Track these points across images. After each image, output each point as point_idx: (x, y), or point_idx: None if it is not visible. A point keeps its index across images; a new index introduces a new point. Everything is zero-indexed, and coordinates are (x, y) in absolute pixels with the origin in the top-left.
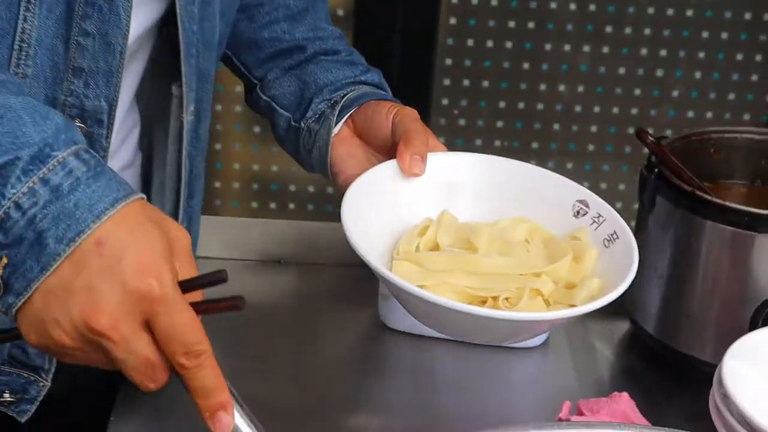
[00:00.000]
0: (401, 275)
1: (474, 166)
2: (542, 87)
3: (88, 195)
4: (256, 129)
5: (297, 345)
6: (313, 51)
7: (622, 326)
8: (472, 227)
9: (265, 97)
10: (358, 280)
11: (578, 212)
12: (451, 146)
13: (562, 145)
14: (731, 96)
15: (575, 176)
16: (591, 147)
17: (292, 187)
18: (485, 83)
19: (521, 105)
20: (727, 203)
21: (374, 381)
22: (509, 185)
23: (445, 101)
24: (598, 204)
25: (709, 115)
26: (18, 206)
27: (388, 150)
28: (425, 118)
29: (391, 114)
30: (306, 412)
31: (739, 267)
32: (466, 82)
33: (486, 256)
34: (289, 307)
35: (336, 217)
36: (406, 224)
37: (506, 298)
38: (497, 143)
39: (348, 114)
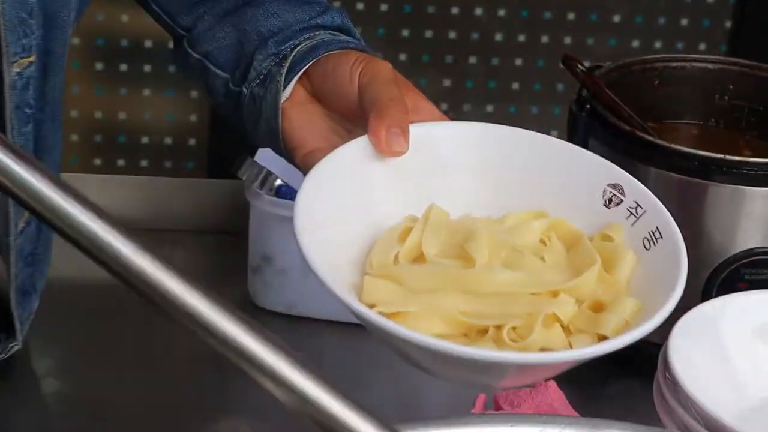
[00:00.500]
0: (374, 297)
1: (472, 140)
2: (454, 11)
3: None
4: (99, 66)
5: (146, 332)
6: None
7: None
8: (468, 228)
9: (195, 54)
10: (223, 251)
11: (610, 200)
12: None
13: (480, 82)
14: (684, 21)
15: (497, 121)
16: (515, 85)
17: (145, 140)
18: (383, 6)
19: (429, 33)
20: (675, 146)
21: (241, 376)
22: (519, 166)
23: None
24: (636, 189)
25: (657, 44)
26: None
27: (355, 117)
28: None
29: (357, 71)
30: (158, 415)
31: (689, 223)
32: (360, 5)
33: (487, 269)
34: None
35: (198, 173)
36: (382, 225)
37: (513, 328)
38: None
39: (300, 71)
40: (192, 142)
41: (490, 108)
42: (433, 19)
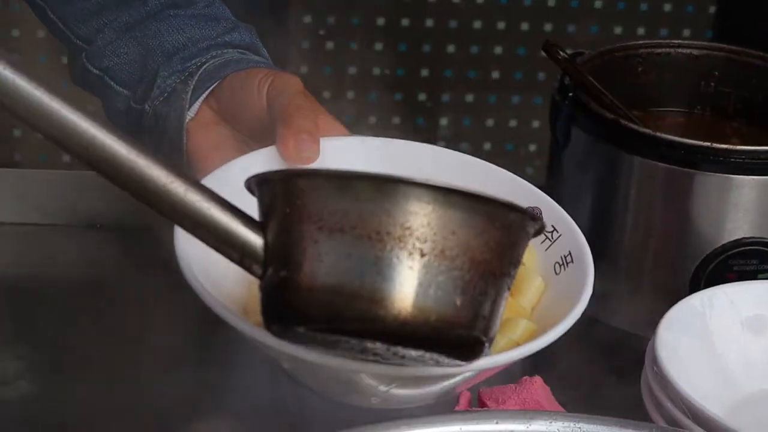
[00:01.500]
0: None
1: (385, 156)
2: None
3: None
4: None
5: (111, 331)
6: (160, 3)
7: None
8: None
9: (95, 70)
10: None
11: None
12: (314, 78)
13: (459, 72)
14: (667, 7)
15: (476, 112)
16: (495, 74)
17: None
18: None
19: (405, 21)
20: (660, 134)
21: (215, 376)
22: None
23: (307, 18)
24: (554, 213)
25: (640, 31)
26: None
27: (265, 135)
28: (281, 37)
29: (264, 86)
30: (124, 420)
31: (675, 214)
32: None
33: None
34: (104, 283)
35: None
36: None
37: None
38: (375, 71)
39: (207, 90)
40: None
41: (469, 98)
42: (410, 7)
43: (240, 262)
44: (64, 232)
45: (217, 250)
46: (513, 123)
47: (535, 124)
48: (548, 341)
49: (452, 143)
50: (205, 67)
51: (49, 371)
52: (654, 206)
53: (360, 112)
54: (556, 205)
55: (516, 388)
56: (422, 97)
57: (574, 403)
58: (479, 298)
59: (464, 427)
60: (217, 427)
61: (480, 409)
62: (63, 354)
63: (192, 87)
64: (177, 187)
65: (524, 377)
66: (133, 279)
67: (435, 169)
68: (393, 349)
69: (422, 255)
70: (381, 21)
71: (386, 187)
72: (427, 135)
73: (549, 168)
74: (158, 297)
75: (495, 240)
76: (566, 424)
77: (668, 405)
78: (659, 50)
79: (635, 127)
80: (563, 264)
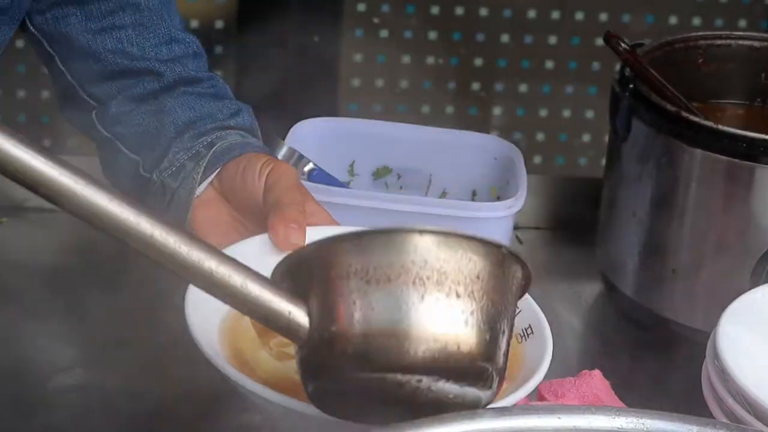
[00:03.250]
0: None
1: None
2: None
3: None
4: None
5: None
6: (173, 79)
7: (593, 287)
8: None
9: (106, 133)
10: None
11: None
12: (369, 66)
13: (513, 61)
14: None
15: (530, 101)
16: (549, 64)
17: None
18: None
19: (459, 10)
20: (721, 127)
21: None
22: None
23: (361, 7)
24: (528, 309)
25: (695, 21)
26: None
27: (258, 217)
28: (337, 25)
29: (264, 172)
30: (182, 403)
31: (736, 207)
32: None
33: None
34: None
35: None
36: None
37: None
38: (429, 60)
39: (216, 171)
40: None
41: (523, 87)
42: None
43: (286, 333)
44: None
45: (267, 325)
46: (567, 113)
47: (589, 114)
48: (518, 397)
49: (505, 133)
50: (214, 149)
51: (103, 358)
52: (714, 199)
53: (413, 101)
54: (531, 299)
55: (575, 381)
56: (476, 86)
57: (632, 397)
58: (498, 334)
59: (526, 422)
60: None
61: (540, 403)
62: (116, 340)
63: (202, 169)
64: (233, 276)
65: (583, 370)
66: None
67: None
68: (434, 383)
69: (458, 296)
70: (435, 10)
71: (424, 238)
72: (481, 124)
73: (608, 159)
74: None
75: (503, 283)
76: (629, 419)
77: (729, 400)
78: (719, 42)
79: (697, 119)
80: (524, 335)
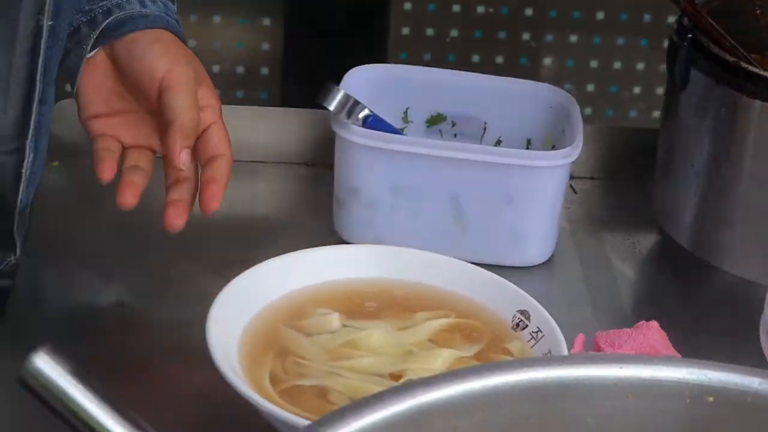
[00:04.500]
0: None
1: (383, 262)
2: None
3: None
4: None
5: (230, 265)
6: None
7: (648, 238)
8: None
9: None
10: (305, 183)
11: (517, 324)
12: (418, 15)
13: (564, 13)
14: None
15: (581, 53)
16: (600, 15)
17: (216, 68)
18: None
19: None
20: None
21: None
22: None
23: None
24: (539, 316)
25: None
26: None
27: (146, 102)
28: None
29: (159, 74)
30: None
31: None
32: None
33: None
34: (217, 219)
35: (272, 104)
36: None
37: None
38: (480, 9)
39: (108, 42)
40: (264, 71)
41: (573, 38)
42: None
43: None
44: None
45: None
46: (617, 65)
47: (640, 66)
48: None
49: (555, 83)
50: (109, 19)
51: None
52: None
53: (464, 51)
54: (543, 309)
55: (632, 332)
56: (526, 36)
57: (688, 350)
58: None
59: (587, 371)
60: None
61: (596, 353)
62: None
63: (95, 36)
64: None
65: (641, 321)
66: (240, 212)
67: (431, 274)
68: None
69: None
70: None
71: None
72: (530, 75)
73: (664, 109)
74: (266, 232)
75: None
76: (691, 370)
77: None
78: None
79: (757, 70)
80: (534, 338)
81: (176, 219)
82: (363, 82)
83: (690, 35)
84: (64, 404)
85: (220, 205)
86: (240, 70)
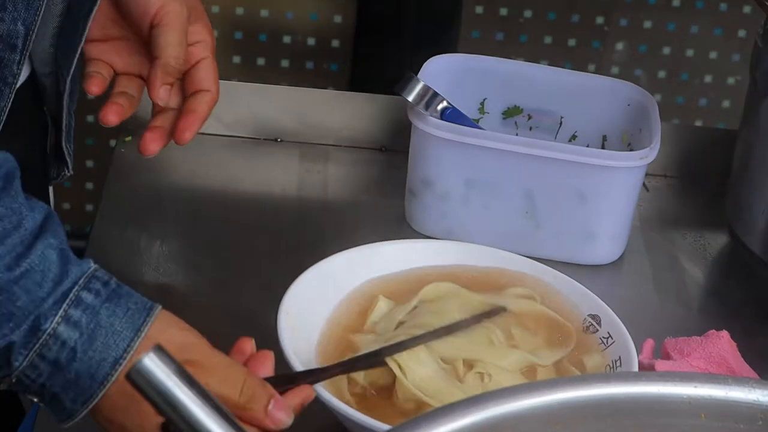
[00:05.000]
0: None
1: (423, 254)
2: None
3: (86, 365)
4: None
5: (298, 248)
6: None
7: (718, 240)
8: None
9: None
10: (377, 169)
11: (588, 328)
12: None
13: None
14: None
15: (653, 39)
16: (676, 2)
17: (287, 39)
18: None
19: None
20: None
21: None
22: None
23: None
24: (611, 321)
25: None
26: (27, 376)
27: (144, 37)
28: None
29: (152, 10)
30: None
31: None
32: None
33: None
34: (289, 201)
35: (341, 76)
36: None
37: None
38: None
39: None
40: (335, 43)
41: (647, 24)
42: None
43: None
44: (242, 145)
45: None
46: (690, 53)
47: (713, 55)
48: None
49: (626, 69)
50: None
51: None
52: None
53: (536, 32)
54: (614, 315)
55: (702, 341)
56: (599, 20)
57: (758, 361)
58: None
59: (661, 389)
60: None
61: (667, 361)
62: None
63: None
64: None
65: (711, 330)
66: (311, 196)
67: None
68: None
69: None
70: None
71: None
72: (601, 59)
73: (744, 113)
74: (337, 217)
75: None
76: (765, 392)
77: None
78: None
79: None
80: (613, 367)
81: (151, 143)
82: (442, 70)
83: None
84: (169, 403)
85: (193, 137)
86: (311, 41)
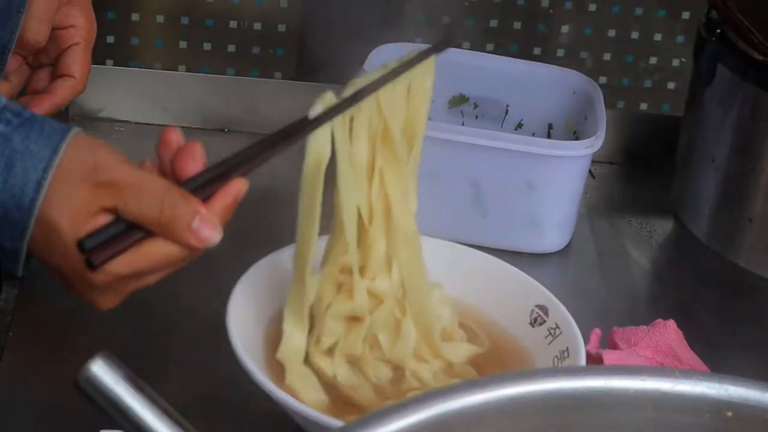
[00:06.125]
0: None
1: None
2: None
3: (9, 194)
4: None
5: (247, 240)
6: None
7: (664, 227)
8: None
9: None
10: None
11: (535, 320)
12: None
13: None
14: None
15: (601, 22)
16: (639, 11)
17: (233, 24)
18: None
19: None
20: None
21: None
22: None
23: None
24: (559, 313)
25: None
26: None
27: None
28: None
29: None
30: None
31: None
32: None
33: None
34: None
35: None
36: None
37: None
38: None
39: None
40: (281, 28)
41: (592, 6)
42: None
43: None
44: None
45: None
46: (653, 60)
47: (657, 37)
48: None
49: (572, 51)
50: None
51: None
52: None
53: (481, 15)
54: (561, 305)
55: (649, 330)
56: (545, 3)
57: (702, 348)
58: None
59: (608, 382)
60: None
61: (611, 354)
62: None
63: None
64: None
65: (658, 320)
66: (276, 189)
67: (450, 266)
68: None
69: None
70: None
71: None
72: (546, 42)
73: (688, 101)
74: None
75: None
76: (711, 384)
77: None
78: None
79: None
80: (561, 358)
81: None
82: (389, 59)
83: (718, 30)
84: (119, 410)
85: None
86: (257, 26)
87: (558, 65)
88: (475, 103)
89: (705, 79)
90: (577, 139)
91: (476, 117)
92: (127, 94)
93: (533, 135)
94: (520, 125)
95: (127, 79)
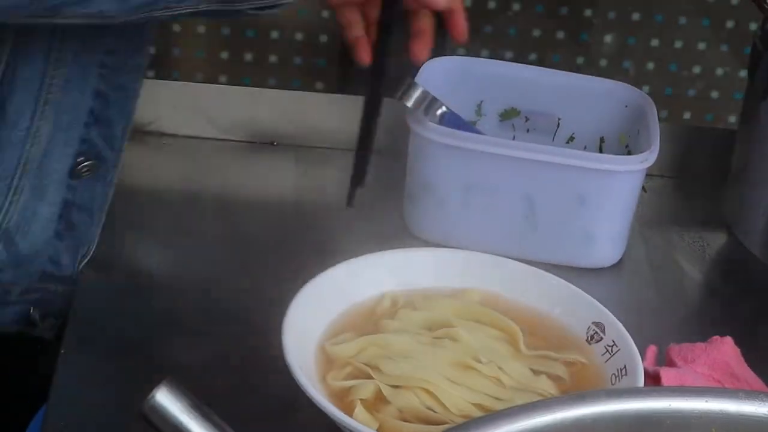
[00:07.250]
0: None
1: (451, 266)
2: None
3: None
4: None
5: (297, 254)
6: None
7: (717, 241)
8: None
9: None
10: (375, 170)
11: (592, 337)
12: None
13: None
14: None
15: (644, 31)
16: (682, 20)
17: (275, 34)
18: None
19: None
20: None
21: None
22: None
23: None
24: (615, 329)
25: None
26: None
27: None
28: None
29: None
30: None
31: None
32: None
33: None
34: (286, 205)
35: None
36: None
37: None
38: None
39: None
40: (324, 38)
41: (636, 16)
42: None
43: None
44: (237, 149)
45: None
46: (679, 44)
47: (701, 46)
48: None
49: (616, 62)
50: None
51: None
52: None
53: (524, 25)
54: (618, 322)
55: (706, 347)
56: (587, 12)
57: (761, 366)
58: None
59: (673, 404)
60: None
61: (669, 372)
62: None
63: None
64: None
65: (715, 336)
66: (308, 200)
67: (502, 280)
68: None
69: None
70: None
71: None
72: (589, 52)
73: (743, 114)
74: (334, 223)
75: None
76: None
77: None
78: None
79: None
80: (618, 376)
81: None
82: (438, 74)
83: None
84: None
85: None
86: (299, 37)
87: (600, 75)
88: (526, 117)
89: (760, 94)
90: (629, 153)
91: (527, 130)
92: (174, 108)
93: (585, 148)
94: (571, 138)
95: (173, 91)
